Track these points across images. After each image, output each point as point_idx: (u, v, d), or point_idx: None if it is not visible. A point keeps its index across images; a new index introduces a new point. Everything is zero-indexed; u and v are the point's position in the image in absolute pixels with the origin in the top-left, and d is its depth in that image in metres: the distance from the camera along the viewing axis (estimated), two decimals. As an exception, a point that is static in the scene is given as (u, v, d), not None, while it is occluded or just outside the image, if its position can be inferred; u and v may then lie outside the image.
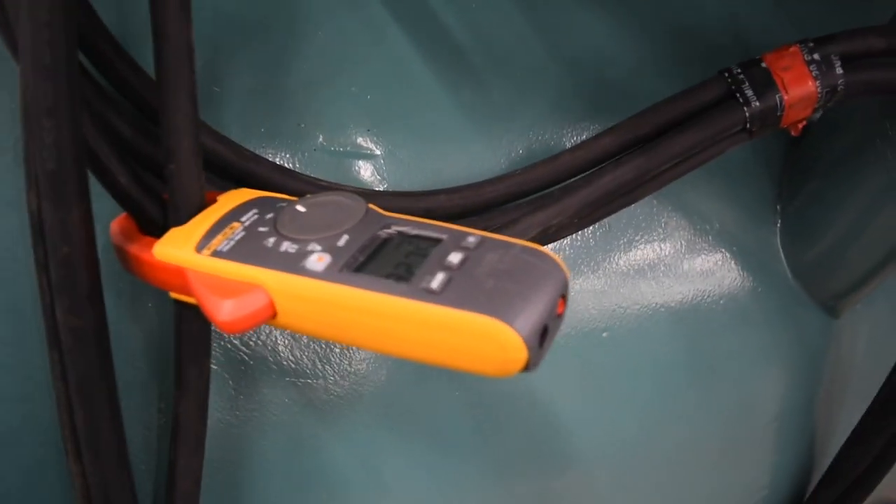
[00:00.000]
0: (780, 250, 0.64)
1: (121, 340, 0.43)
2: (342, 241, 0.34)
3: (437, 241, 0.34)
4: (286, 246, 0.34)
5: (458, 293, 0.30)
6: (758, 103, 0.46)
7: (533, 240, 0.47)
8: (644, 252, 0.58)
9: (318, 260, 0.33)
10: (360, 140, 0.49)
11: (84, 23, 0.41)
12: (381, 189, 0.49)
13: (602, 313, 0.57)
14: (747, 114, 0.46)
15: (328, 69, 0.49)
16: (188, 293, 0.36)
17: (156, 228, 0.40)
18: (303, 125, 0.48)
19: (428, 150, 0.51)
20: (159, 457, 0.45)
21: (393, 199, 0.47)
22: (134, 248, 0.38)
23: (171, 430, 0.42)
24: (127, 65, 0.42)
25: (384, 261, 0.33)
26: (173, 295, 0.38)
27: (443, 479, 0.54)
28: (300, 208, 0.37)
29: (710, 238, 0.61)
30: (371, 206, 0.37)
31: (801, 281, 0.63)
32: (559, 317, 0.32)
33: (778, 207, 0.63)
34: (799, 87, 0.46)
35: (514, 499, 0.57)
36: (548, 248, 0.33)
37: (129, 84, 0.42)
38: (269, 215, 0.37)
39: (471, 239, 0.33)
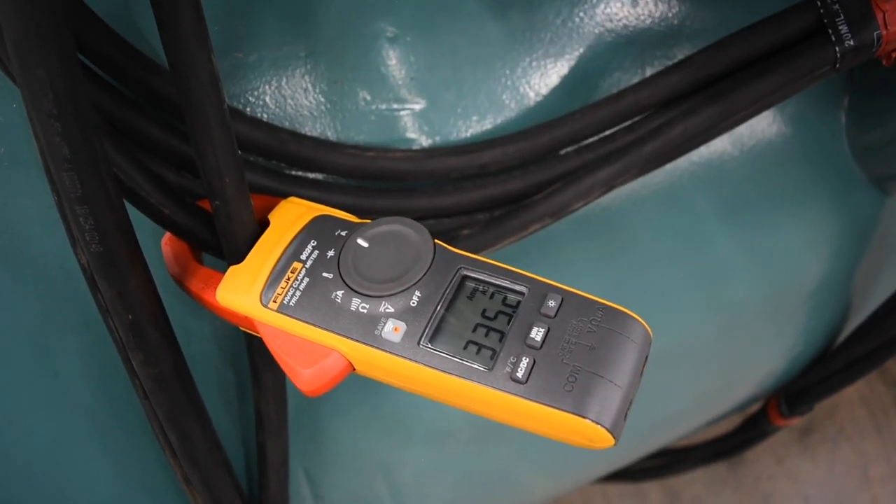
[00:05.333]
0: (844, 128, 0.60)
1: (189, 336, 0.43)
2: (415, 301, 0.33)
3: (516, 293, 0.33)
4: (357, 305, 0.33)
5: (543, 382, 0.30)
6: (852, 42, 0.41)
7: (597, 196, 0.45)
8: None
9: (394, 330, 0.32)
10: (402, 91, 0.45)
11: (86, 27, 0.36)
12: (430, 144, 0.46)
13: (652, 181, 0.54)
14: (838, 53, 0.41)
15: (361, 8, 0.43)
16: (256, 332, 0.36)
17: (208, 248, 0.39)
18: (341, 82, 0.43)
19: (476, 89, 0.46)
20: (244, 431, 0.48)
21: (447, 159, 0.44)
22: (195, 286, 0.37)
23: (255, 420, 0.44)
24: (141, 66, 0.37)
25: (461, 324, 0.32)
26: (242, 328, 0.37)
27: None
28: (362, 243, 0.35)
29: (775, 109, 0.57)
30: (437, 241, 0.35)
31: (858, 159, 0.61)
32: (640, 376, 0.32)
33: (848, 86, 0.58)
34: (902, 21, 0.40)
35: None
36: (630, 311, 0.32)
37: (147, 83, 0.38)
38: (330, 252, 0.35)
39: (551, 303, 0.32)
